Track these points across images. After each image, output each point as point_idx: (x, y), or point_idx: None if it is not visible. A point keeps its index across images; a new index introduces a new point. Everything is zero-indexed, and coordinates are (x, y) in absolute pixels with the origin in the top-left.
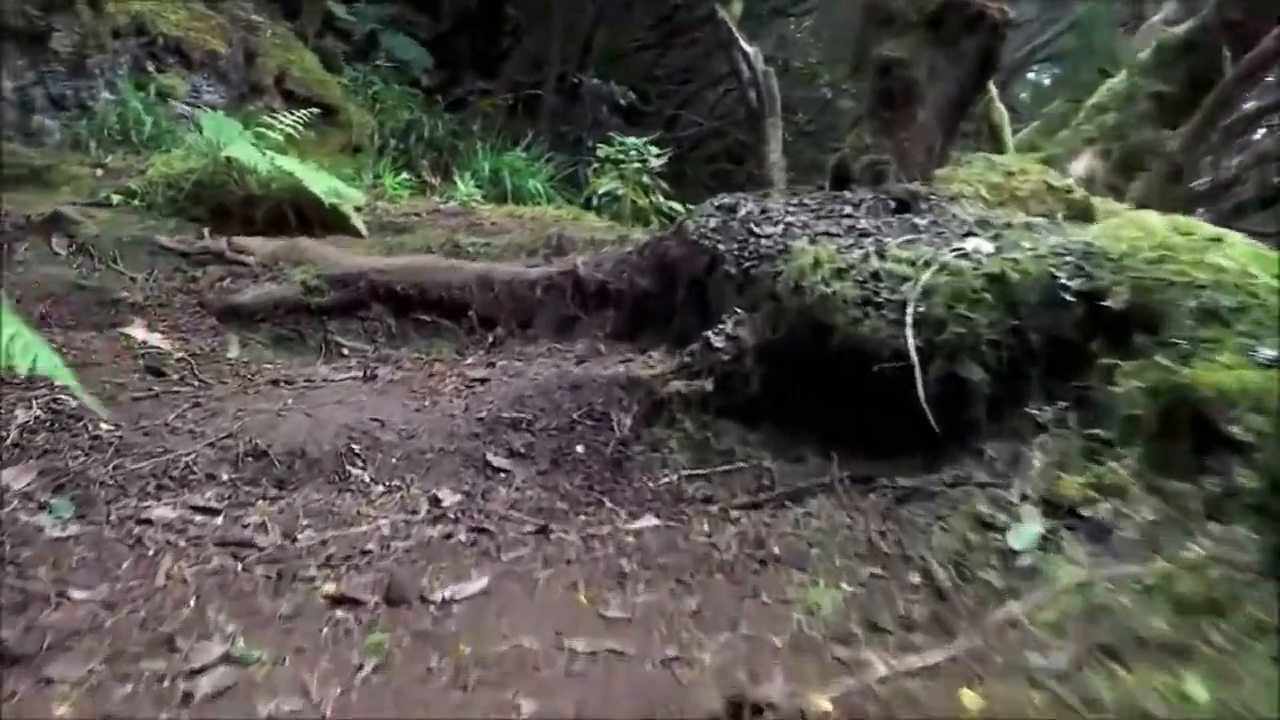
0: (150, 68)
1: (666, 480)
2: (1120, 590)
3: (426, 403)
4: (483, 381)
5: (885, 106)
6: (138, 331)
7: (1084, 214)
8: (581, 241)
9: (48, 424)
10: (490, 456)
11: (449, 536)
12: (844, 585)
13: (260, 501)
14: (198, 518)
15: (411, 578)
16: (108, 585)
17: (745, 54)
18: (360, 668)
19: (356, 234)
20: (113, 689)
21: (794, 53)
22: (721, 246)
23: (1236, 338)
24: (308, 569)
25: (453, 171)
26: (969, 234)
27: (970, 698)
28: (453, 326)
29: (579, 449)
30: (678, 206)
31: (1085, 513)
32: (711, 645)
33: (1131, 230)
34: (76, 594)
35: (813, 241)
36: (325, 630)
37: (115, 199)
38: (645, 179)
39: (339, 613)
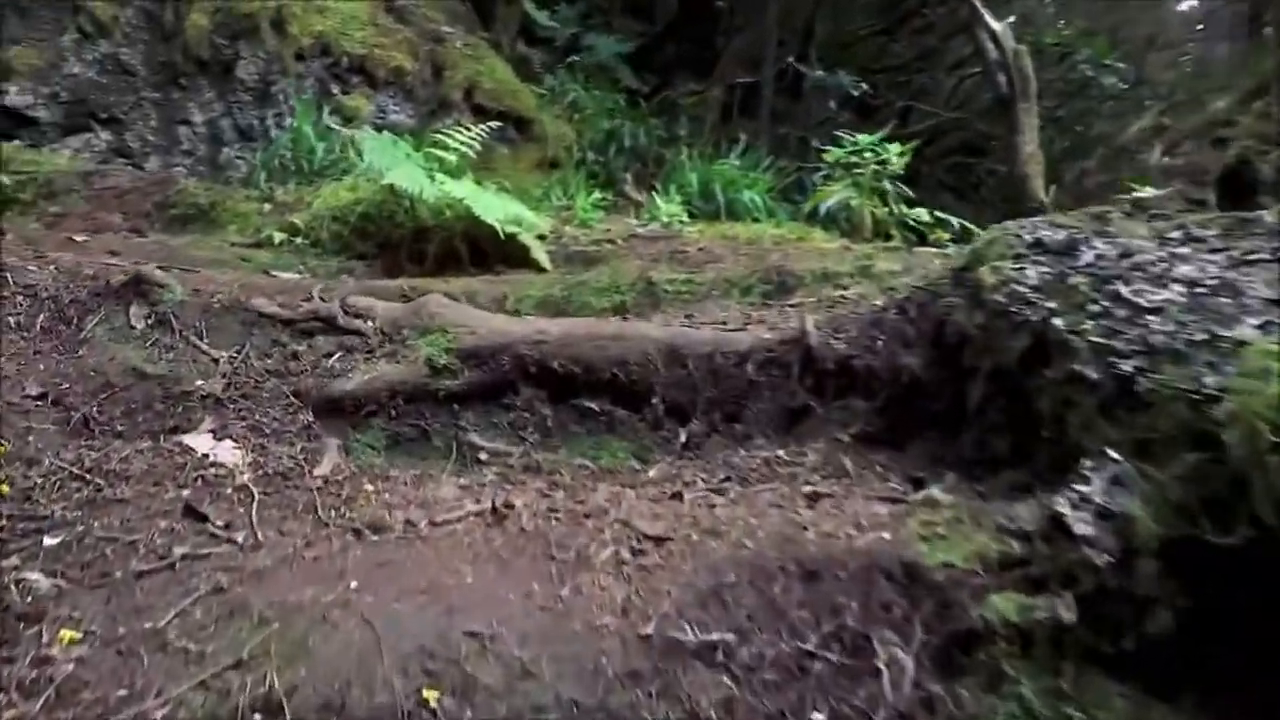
0: (335, 89)
1: None
2: None
3: (566, 588)
4: (660, 542)
5: None
6: (201, 441)
7: None
8: (809, 275)
9: None
10: None
11: None
12: None
13: None
14: None
15: None
16: None
17: (992, 32)
18: None
19: (539, 268)
20: None
21: (1041, 28)
22: (1059, 321)
23: None
24: None
25: (656, 185)
26: None
27: None
28: (629, 418)
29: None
30: (923, 215)
31: None
32: None
33: None
34: None
35: (1265, 330)
36: None
37: (278, 237)
38: (885, 184)
39: None
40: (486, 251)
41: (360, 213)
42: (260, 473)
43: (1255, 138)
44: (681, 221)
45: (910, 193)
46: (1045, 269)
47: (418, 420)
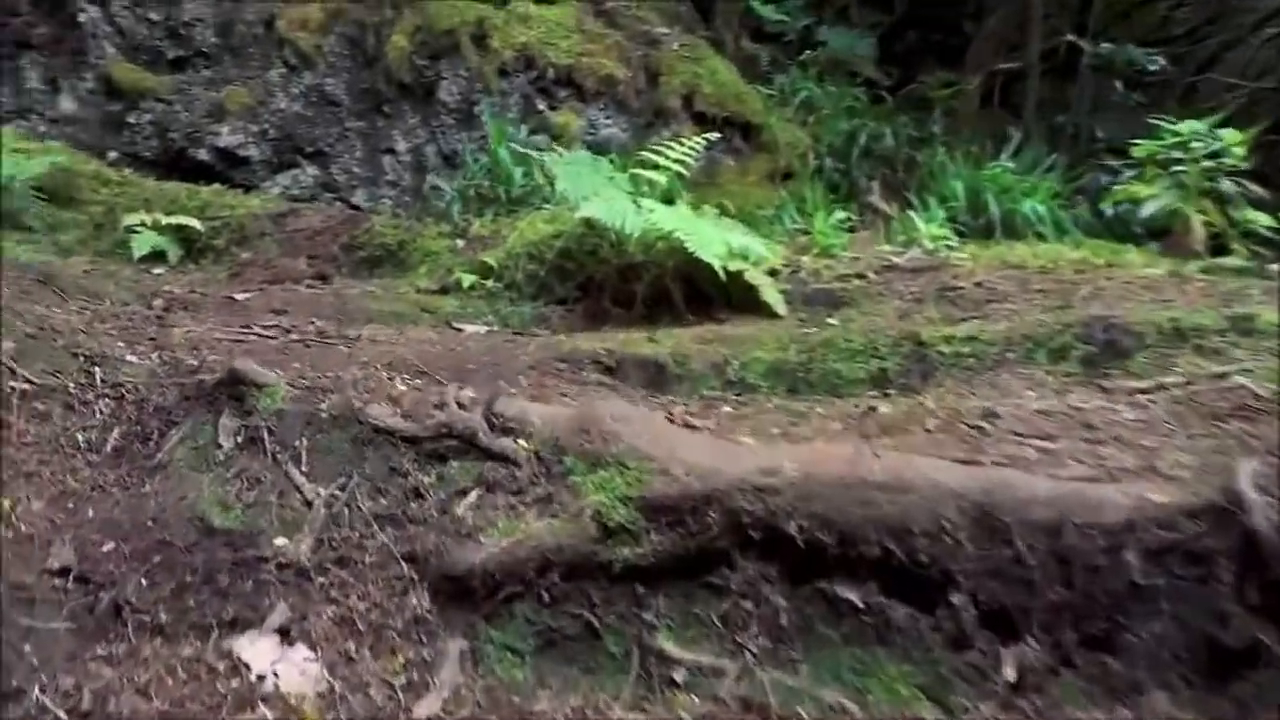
0: (541, 105)
1: None
2: None
3: None
4: None
5: None
6: (262, 649)
7: None
8: (1151, 329)
9: None
10: None
11: None
12: None
13: None
14: None
15: None
16: None
17: None
18: None
19: (770, 313)
20: None
21: None
22: None
23: None
24: None
25: (910, 197)
26: None
27: None
28: (914, 622)
29: None
30: (1263, 220)
31: None
32: None
33: None
34: None
35: None
36: None
37: (467, 280)
38: (1223, 183)
39: None
40: (705, 292)
41: (559, 248)
42: (336, 716)
43: None
44: (948, 245)
45: (1262, 191)
46: None
47: (581, 608)
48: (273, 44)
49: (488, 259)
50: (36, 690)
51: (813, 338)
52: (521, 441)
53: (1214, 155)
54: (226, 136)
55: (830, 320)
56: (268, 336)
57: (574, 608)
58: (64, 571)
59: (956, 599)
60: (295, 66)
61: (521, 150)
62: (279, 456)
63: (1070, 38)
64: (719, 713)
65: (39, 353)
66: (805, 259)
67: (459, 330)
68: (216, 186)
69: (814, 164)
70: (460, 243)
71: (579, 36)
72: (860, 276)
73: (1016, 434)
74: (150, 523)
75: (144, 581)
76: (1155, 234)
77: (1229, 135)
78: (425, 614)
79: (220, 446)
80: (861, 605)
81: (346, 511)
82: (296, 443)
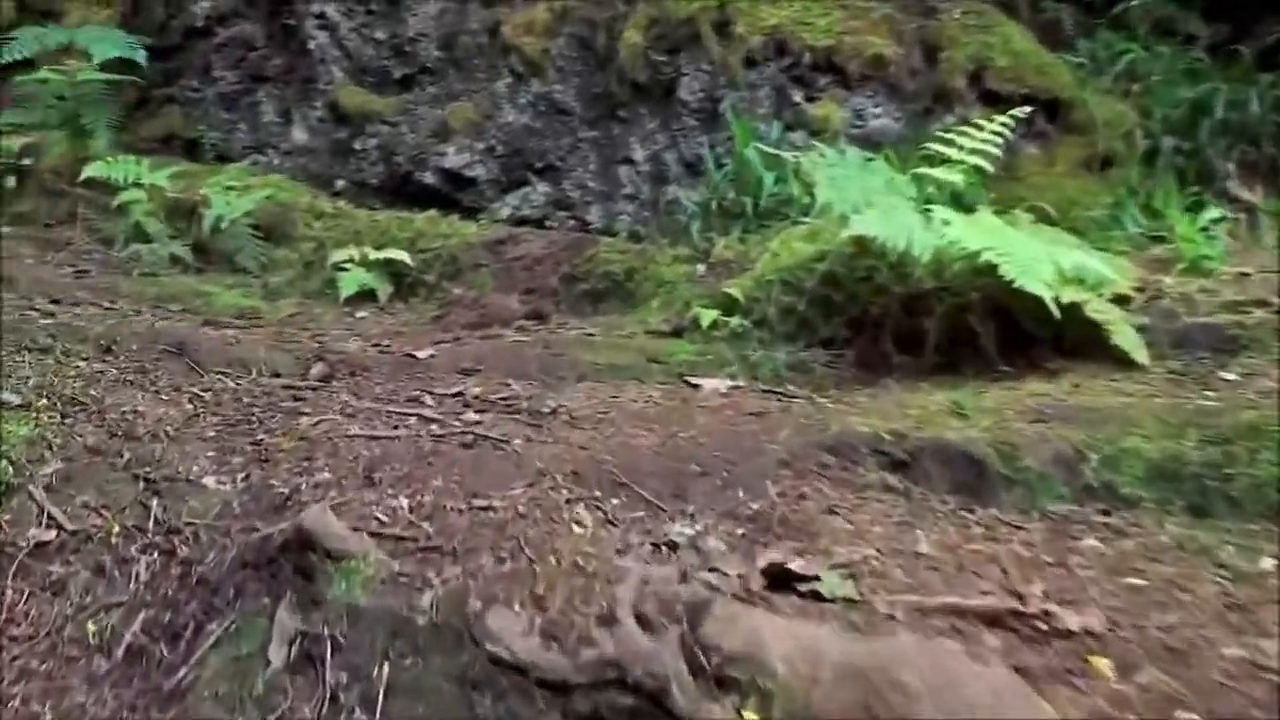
0: (797, 97)
1: None
2: None
3: None
4: None
5: None
6: None
7: None
8: None
9: None
10: None
11: None
12: None
13: None
14: None
15: None
16: None
17: None
18: None
19: (1125, 362)
20: None
21: None
22: None
23: None
24: None
25: None
26: None
27: None
28: None
29: None
30: None
31: None
32: None
33: None
34: None
35: None
36: None
37: (707, 317)
38: None
39: None
40: (1024, 330)
41: (822, 274)
42: None
43: None
44: None
45: None
46: None
47: None
48: (498, 53)
49: (732, 290)
50: None
51: (1220, 414)
52: (752, 700)
53: None
54: (452, 156)
55: (1225, 375)
56: (429, 420)
57: None
58: None
59: None
60: (521, 75)
61: (772, 152)
62: (341, 695)
63: None
64: None
65: (93, 476)
66: (1167, 279)
67: (694, 387)
68: (431, 214)
69: (1143, 144)
70: (700, 268)
71: (840, 13)
72: (1261, 304)
73: None
74: None
75: None
76: None
77: None
78: None
79: (268, 663)
80: None
81: None
82: (373, 672)
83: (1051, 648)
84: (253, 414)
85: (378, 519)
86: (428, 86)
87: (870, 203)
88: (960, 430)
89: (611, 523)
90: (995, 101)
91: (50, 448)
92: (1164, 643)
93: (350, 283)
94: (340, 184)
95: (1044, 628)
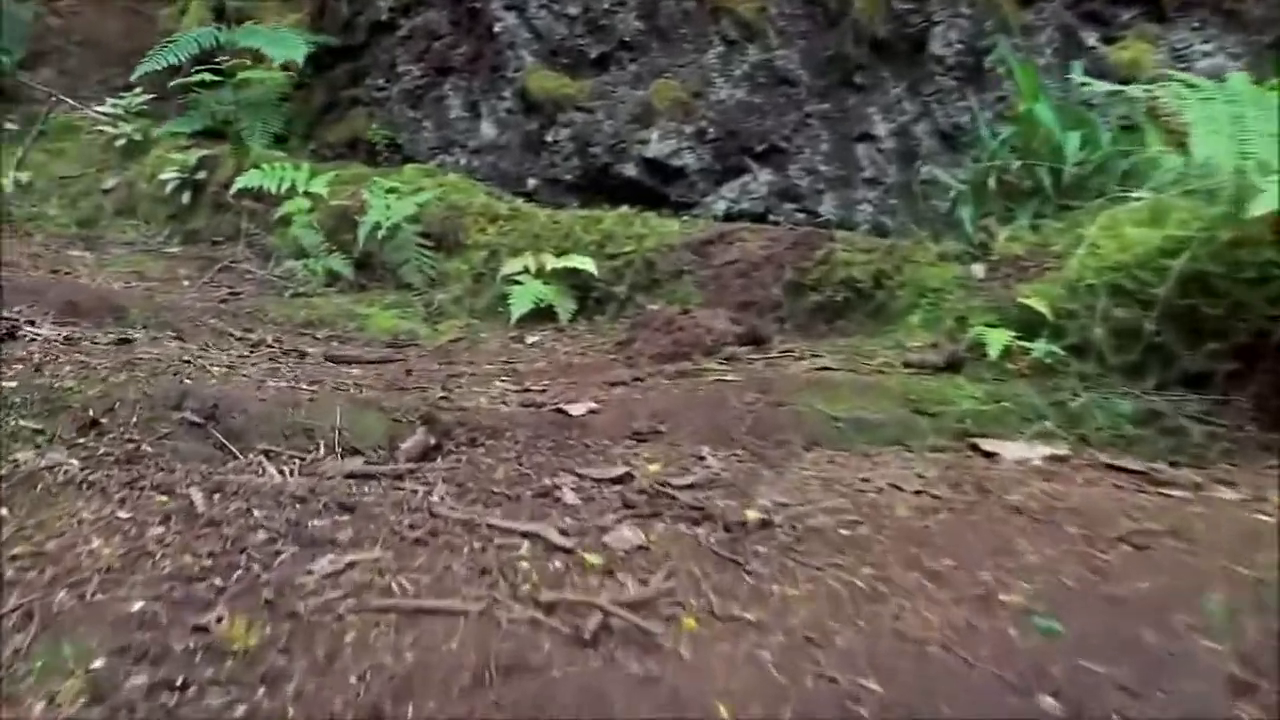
0: (1090, 38)
1: None
2: None
3: None
4: None
5: None
6: None
7: None
8: None
9: None
10: None
11: None
12: None
13: None
14: None
15: None
16: None
17: None
18: None
19: None
20: None
21: None
22: None
23: None
24: None
25: None
26: None
27: None
28: None
29: None
30: None
31: None
32: None
33: None
34: None
35: None
36: None
37: (994, 341)
38: None
39: None
40: None
41: (1183, 273)
42: None
43: None
44: None
45: None
46: None
47: None
48: (706, 18)
49: (1031, 300)
50: None
51: None
52: None
53: None
54: (656, 144)
55: None
56: (550, 549)
57: None
58: None
59: None
60: (735, 42)
61: (1079, 103)
62: None
63: None
64: None
65: None
66: None
67: (988, 456)
68: (623, 211)
69: None
70: (977, 269)
71: None
72: None
73: None
74: None
75: None
76: None
77: None
78: None
79: None
80: None
81: None
82: None
83: None
84: (248, 548)
85: None
86: (627, 64)
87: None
88: None
89: None
90: None
91: None
92: None
93: (523, 299)
94: (532, 182)
95: None
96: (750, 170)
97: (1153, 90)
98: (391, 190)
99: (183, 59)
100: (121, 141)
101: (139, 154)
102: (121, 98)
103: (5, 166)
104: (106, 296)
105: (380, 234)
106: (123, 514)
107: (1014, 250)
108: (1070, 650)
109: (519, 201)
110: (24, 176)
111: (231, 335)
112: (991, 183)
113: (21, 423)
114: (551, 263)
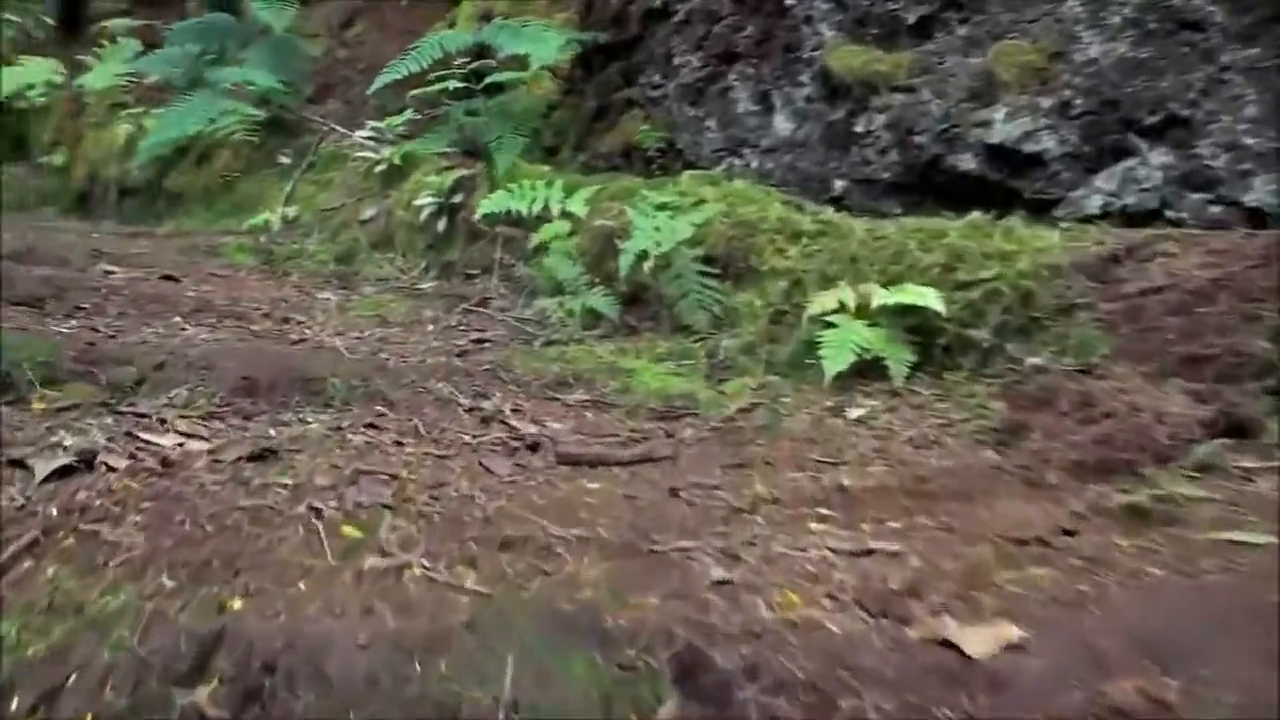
0: None
1: None
2: None
3: None
4: None
5: None
6: None
7: None
8: None
9: None
10: None
11: None
12: None
13: None
14: None
15: None
16: None
17: None
18: None
19: None
20: None
21: None
22: None
23: None
24: None
25: None
26: None
27: None
28: None
29: None
30: None
31: None
32: None
33: None
34: None
35: None
36: None
37: None
38: None
39: None
40: None
41: None
42: None
43: None
44: None
45: None
46: None
47: None
48: None
49: None
50: None
51: None
52: None
53: None
54: (1002, 125)
55: None
56: None
57: None
58: None
59: None
60: None
61: None
62: None
63: None
64: None
65: None
66: None
67: None
68: (975, 218)
69: None
70: None
71: None
72: None
73: None
74: None
75: None
76: None
77: None
78: None
79: None
80: None
81: None
82: None
83: None
84: None
85: None
86: (956, 27)
87: None
88: None
89: None
90: None
91: None
92: None
93: (840, 350)
94: (840, 185)
95: None
96: (1136, 151)
97: None
98: (663, 206)
99: (424, 65)
100: (382, 167)
101: (399, 180)
102: (384, 121)
103: (274, 202)
104: (300, 365)
105: (648, 263)
106: None
107: None
108: None
109: (826, 211)
110: (290, 211)
111: (459, 405)
112: None
113: None
114: (878, 296)
